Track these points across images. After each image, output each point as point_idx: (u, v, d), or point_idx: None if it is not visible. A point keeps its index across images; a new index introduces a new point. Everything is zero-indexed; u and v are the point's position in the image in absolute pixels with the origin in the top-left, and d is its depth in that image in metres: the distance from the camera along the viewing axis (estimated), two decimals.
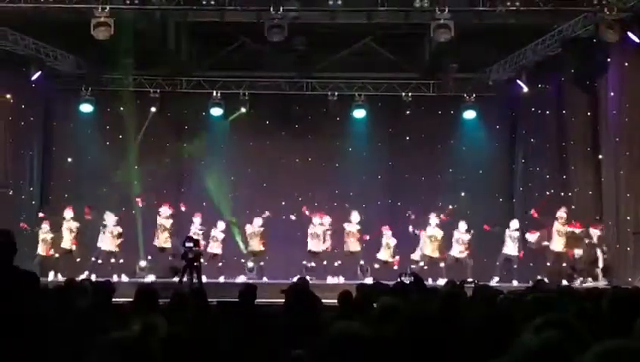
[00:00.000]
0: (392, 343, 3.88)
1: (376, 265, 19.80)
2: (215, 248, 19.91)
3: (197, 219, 19.97)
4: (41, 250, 19.27)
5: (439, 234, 19.64)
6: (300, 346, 4.31)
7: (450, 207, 20.32)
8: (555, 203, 19.69)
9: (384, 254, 19.87)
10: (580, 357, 2.25)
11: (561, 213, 18.80)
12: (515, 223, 19.62)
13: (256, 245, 19.92)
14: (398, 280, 13.38)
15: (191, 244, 17.86)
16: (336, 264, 19.59)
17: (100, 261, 19.32)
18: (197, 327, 5.37)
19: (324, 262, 19.60)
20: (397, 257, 19.85)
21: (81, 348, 4.53)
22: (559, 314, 3.15)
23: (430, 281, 17.69)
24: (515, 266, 19.31)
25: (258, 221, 19.98)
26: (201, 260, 18.29)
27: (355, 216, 19.89)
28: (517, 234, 19.45)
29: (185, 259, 17.76)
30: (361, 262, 19.72)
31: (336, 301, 7.69)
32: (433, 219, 19.72)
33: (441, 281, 17.01)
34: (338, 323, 3.61)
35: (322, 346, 3.45)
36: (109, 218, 19.65)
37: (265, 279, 19.12)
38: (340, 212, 20.55)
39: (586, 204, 19.16)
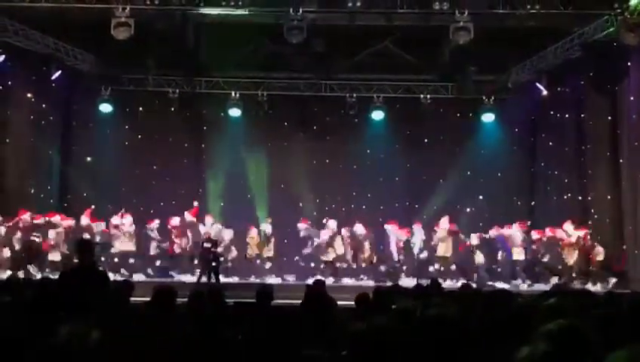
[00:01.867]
0: (409, 344, 3.88)
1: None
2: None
3: (209, 219, 20.01)
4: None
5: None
6: (316, 346, 4.32)
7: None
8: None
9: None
10: None
11: (568, 226, 18.85)
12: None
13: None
14: (416, 283, 13.37)
15: (209, 245, 17.91)
16: (344, 266, 19.55)
17: (116, 260, 19.37)
18: (214, 327, 5.39)
19: (337, 264, 19.56)
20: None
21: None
22: (569, 321, 3.14)
23: (447, 282, 17.66)
24: (518, 268, 19.19)
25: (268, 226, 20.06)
26: (220, 260, 18.35)
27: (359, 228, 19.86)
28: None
29: (203, 260, 17.81)
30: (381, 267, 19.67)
31: (351, 303, 7.68)
32: (443, 220, 19.62)
33: (454, 283, 17.00)
34: (357, 322, 3.62)
35: (342, 345, 3.46)
36: (126, 219, 19.69)
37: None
38: (357, 214, 20.56)
39: (605, 207, 19.03)
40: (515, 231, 19.32)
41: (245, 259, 19.83)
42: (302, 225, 20.11)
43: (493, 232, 19.54)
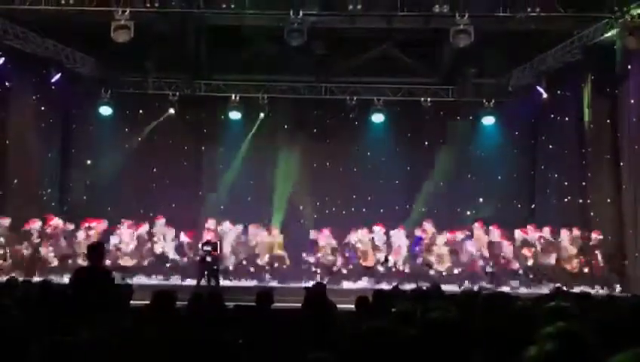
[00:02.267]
0: (411, 347, 3.87)
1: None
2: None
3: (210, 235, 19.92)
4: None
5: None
6: (317, 349, 4.31)
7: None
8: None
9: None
10: None
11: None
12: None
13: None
14: (416, 286, 13.35)
15: (209, 248, 17.88)
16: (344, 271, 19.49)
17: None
18: (214, 330, 5.38)
19: (334, 269, 19.50)
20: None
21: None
22: (567, 325, 3.13)
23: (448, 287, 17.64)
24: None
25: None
26: (219, 264, 18.30)
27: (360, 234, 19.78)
28: None
29: (202, 263, 17.78)
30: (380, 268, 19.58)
31: (350, 306, 7.67)
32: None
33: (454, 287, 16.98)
34: (361, 324, 3.62)
35: (345, 345, 3.45)
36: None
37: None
38: (357, 217, 20.52)
39: (605, 211, 19.02)
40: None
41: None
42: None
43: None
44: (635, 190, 17.84)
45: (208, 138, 22.63)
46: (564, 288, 12.69)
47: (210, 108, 22.15)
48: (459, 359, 3.97)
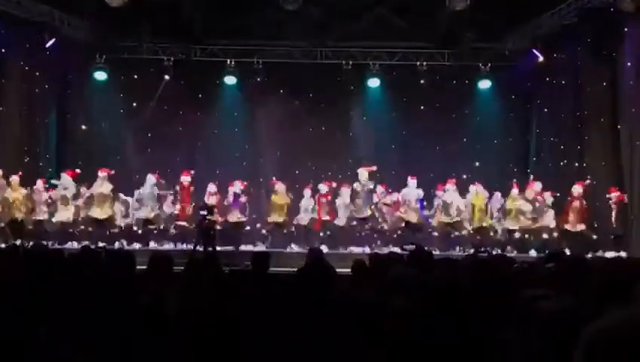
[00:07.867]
0: (408, 314, 3.89)
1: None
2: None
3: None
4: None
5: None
6: (314, 315, 4.33)
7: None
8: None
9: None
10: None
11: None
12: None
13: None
14: (400, 249, 13.28)
15: (205, 212, 17.88)
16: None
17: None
18: (212, 295, 5.40)
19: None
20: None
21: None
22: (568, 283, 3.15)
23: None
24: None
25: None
26: (216, 228, 18.31)
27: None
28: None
29: (199, 227, 17.81)
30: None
31: (348, 270, 7.69)
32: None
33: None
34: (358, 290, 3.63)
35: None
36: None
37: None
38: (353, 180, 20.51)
39: (602, 174, 19.05)
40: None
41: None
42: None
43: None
44: (632, 152, 17.87)
45: (204, 103, 22.55)
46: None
47: (206, 73, 22.05)
48: (453, 322, 3.99)
